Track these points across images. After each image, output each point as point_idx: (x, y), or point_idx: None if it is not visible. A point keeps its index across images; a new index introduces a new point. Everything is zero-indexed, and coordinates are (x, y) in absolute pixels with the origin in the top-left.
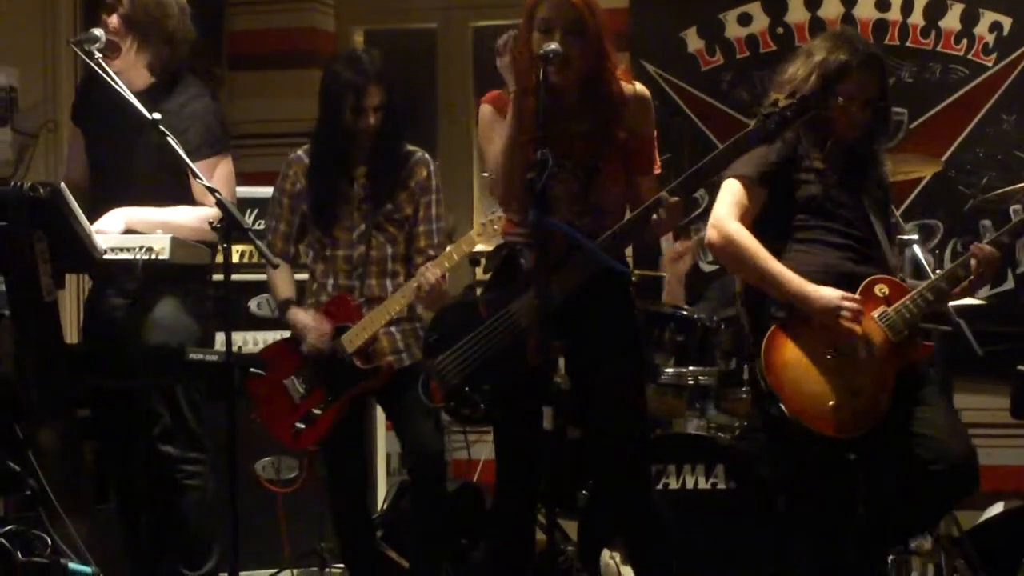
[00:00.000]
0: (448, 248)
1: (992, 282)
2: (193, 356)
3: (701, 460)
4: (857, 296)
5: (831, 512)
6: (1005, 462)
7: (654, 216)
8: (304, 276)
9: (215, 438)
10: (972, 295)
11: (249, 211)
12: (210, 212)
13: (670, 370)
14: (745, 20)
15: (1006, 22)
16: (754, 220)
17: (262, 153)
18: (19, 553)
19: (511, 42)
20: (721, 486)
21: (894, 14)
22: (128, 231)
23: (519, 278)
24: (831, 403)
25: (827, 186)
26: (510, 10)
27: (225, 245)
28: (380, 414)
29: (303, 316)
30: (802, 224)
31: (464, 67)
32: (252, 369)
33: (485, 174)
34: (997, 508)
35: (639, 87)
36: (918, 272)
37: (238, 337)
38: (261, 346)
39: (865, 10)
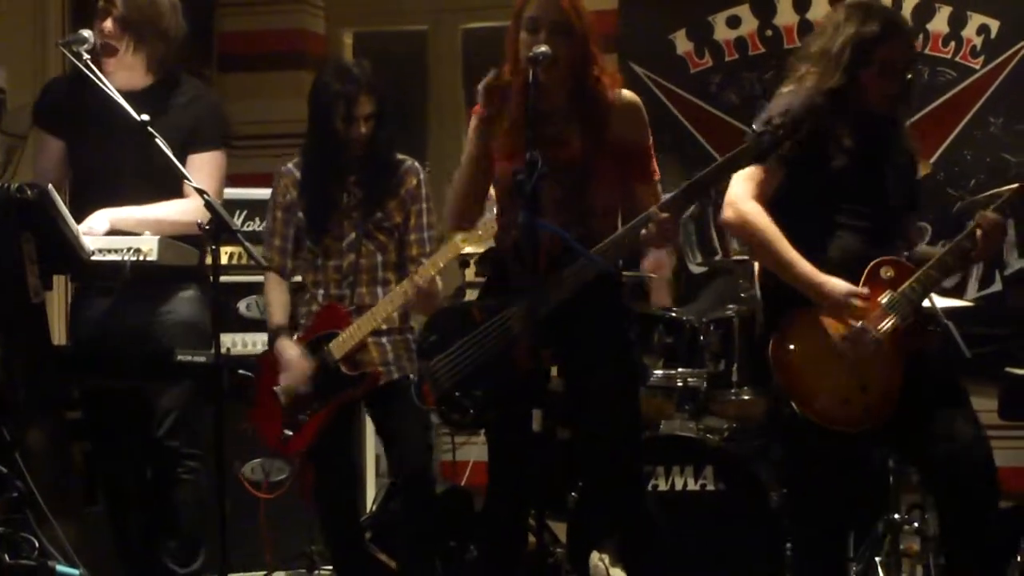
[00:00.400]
0: (434, 254)
1: (982, 282)
2: (182, 357)
3: (690, 461)
4: (863, 289)
5: (833, 511)
6: None
7: (643, 231)
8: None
9: (204, 439)
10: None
11: (238, 212)
12: (194, 203)
13: (659, 372)
14: (734, 22)
15: (993, 25)
16: (774, 199)
17: (252, 155)
18: (6, 556)
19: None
20: (710, 487)
21: None
22: (112, 231)
23: (513, 283)
24: (841, 398)
25: (851, 161)
26: (500, 12)
27: (214, 247)
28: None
29: (290, 352)
30: (821, 203)
31: (454, 69)
32: (240, 371)
33: None
34: None
35: (628, 94)
36: None
37: (227, 339)
38: (250, 347)
39: None
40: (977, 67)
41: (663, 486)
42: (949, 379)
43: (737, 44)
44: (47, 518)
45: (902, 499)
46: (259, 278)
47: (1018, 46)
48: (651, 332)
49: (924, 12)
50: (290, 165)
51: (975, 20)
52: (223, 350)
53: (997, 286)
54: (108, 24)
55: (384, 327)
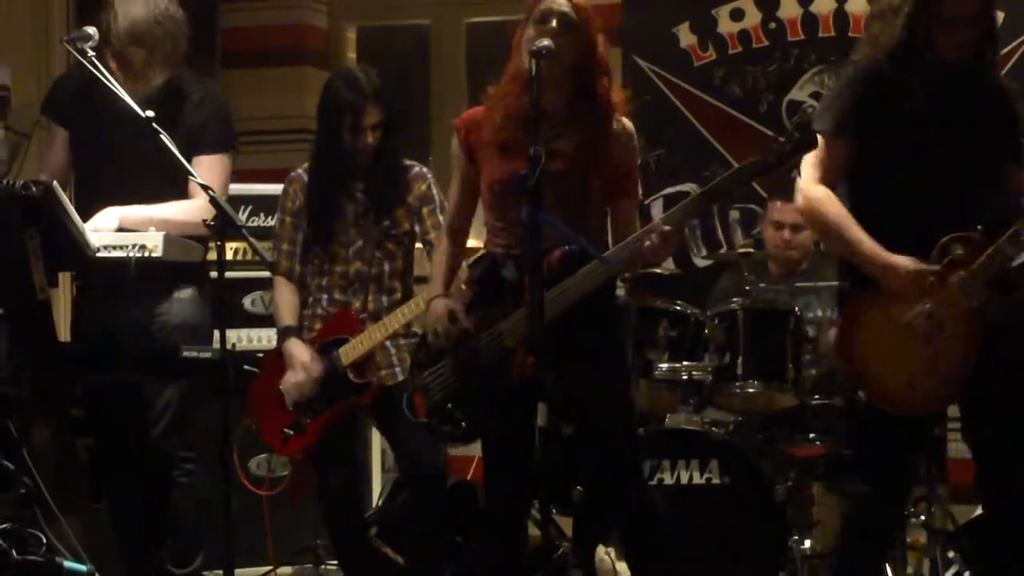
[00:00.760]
0: (417, 298)
1: None
2: (188, 353)
3: (695, 455)
4: (929, 267)
5: (895, 495)
6: None
7: (647, 243)
8: None
9: (208, 434)
10: None
11: (243, 208)
12: (200, 204)
13: (664, 365)
14: (738, 15)
15: (999, 16)
16: (852, 172)
17: (255, 150)
18: (14, 552)
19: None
20: (716, 481)
21: None
22: (121, 229)
23: (504, 292)
24: (904, 380)
25: (921, 122)
26: (503, 6)
27: (219, 243)
28: None
29: (300, 353)
30: (893, 170)
31: (457, 63)
32: (246, 367)
33: None
34: None
35: (625, 121)
36: None
37: (232, 334)
38: (255, 343)
39: (857, 5)
40: None
41: (668, 480)
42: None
43: (741, 37)
44: (54, 514)
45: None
46: (264, 274)
47: (1022, 38)
48: (656, 326)
49: None
50: (300, 170)
51: None
52: (228, 346)
53: None
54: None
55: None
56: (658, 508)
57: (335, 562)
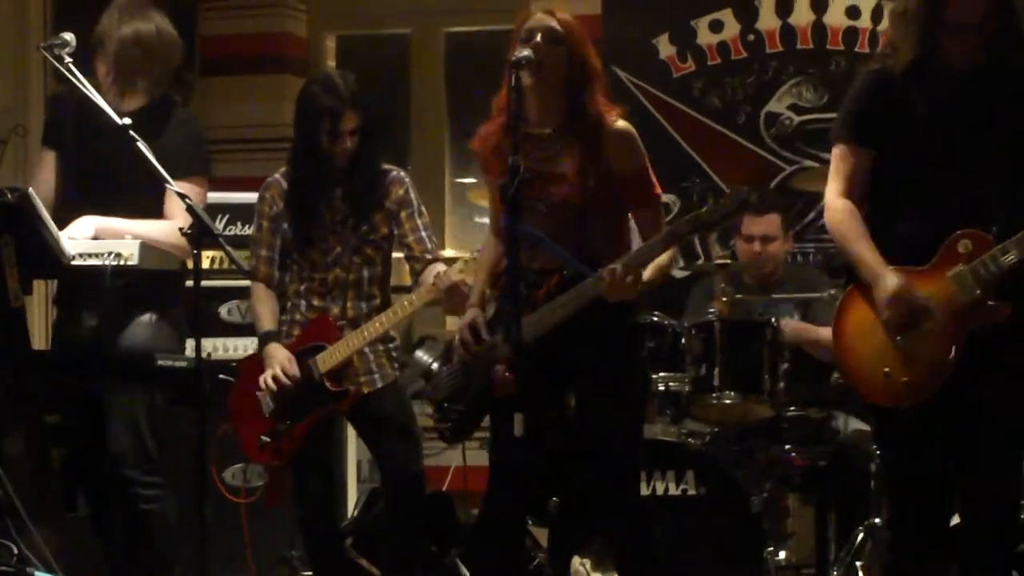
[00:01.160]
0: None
1: None
2: (163, 362)
3: (672, 466)
4: (909, 295)
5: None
6: None
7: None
8: None
9: (184, 444)
10: None
11: (220, 216)
12: (178, 224)
13: None
14: (716, 27)
15: None
16: (874, 180)
17: (234, 158)
18: None
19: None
20: (692, 492)
21: (864, 21)
22: (96, 237)
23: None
24: (885, 370)
25: (929, 129)
26: (483, 16)
27: (195, 251)
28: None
29: (280, 354)
30: (905, 177)
31: (437, 73)
32: (221, 376)
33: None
34: None
35: (621, 124)
36: None
37: (208, 343)
38: (231, 352)
39: (835, 17)
40: None
41: (645, 490)
42: (1017, 369)
43: (720, 48)
44: (26, 525)
45: (883, 504)
46: (241, 283)
47: None
48: None
49: None
50: (277, 175)
51: None
52: (204, 354)
53: None
54: (101, 67)
55: None
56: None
57: (310, 573)
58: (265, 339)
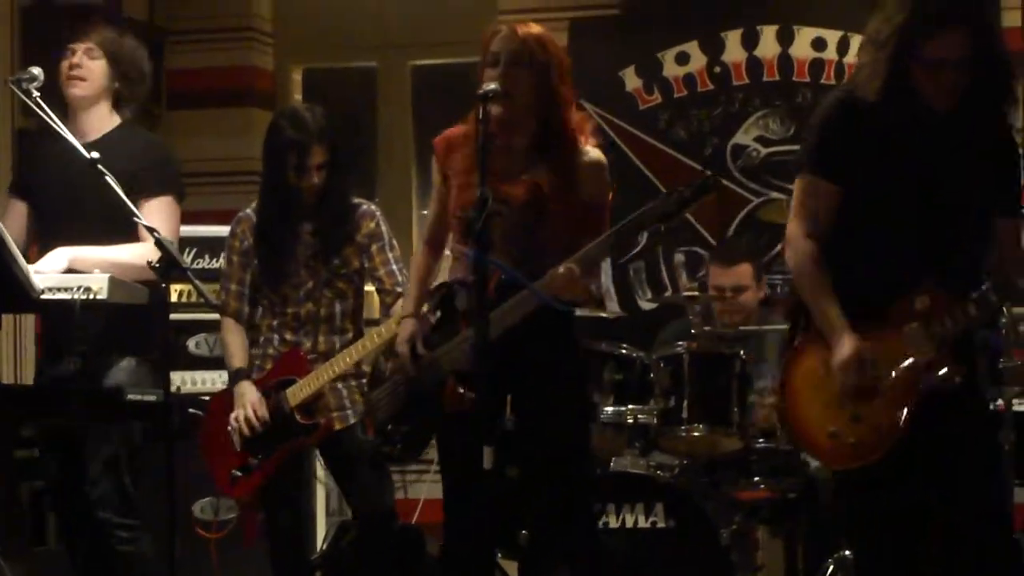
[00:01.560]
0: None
1: None
2: (132, 396)
3: (641, 499)
4: (867, 360)
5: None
6: None
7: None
8: None
9: (153, 478)
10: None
11: (188, 250)
12: (149, 247)
13: (609, 409)
14: (683, 59)
15: None
16: (842, 217)
17: (201, 192)
18: None
19: None
20: (661, 524)
21: (830, 53)
22: (70, 270)
23: (454, 320)
24: (830, 430)
25: (906, 168)
26: (450, 49)
27: (164, 284)
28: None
29: (250, 393)
30: (870, 220)
31: (403, 105)
32: (191, 409)
33: (425, 212)
34: None
35: (595, 152)
36: None
37: (176, 377)
38: (200, 385)
39: (801, 50)
40: None
41: (614, 523)
42: (977, 431)
43: (686, 81)
44: None
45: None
46: (209, 316)
47: None
48: (601, 369)
49: None
50: (248, 210)
51: None
52: (173, 388)
53: None
54: (79, 50)
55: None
56: (606, 551)
57: None
58: (236, 377)
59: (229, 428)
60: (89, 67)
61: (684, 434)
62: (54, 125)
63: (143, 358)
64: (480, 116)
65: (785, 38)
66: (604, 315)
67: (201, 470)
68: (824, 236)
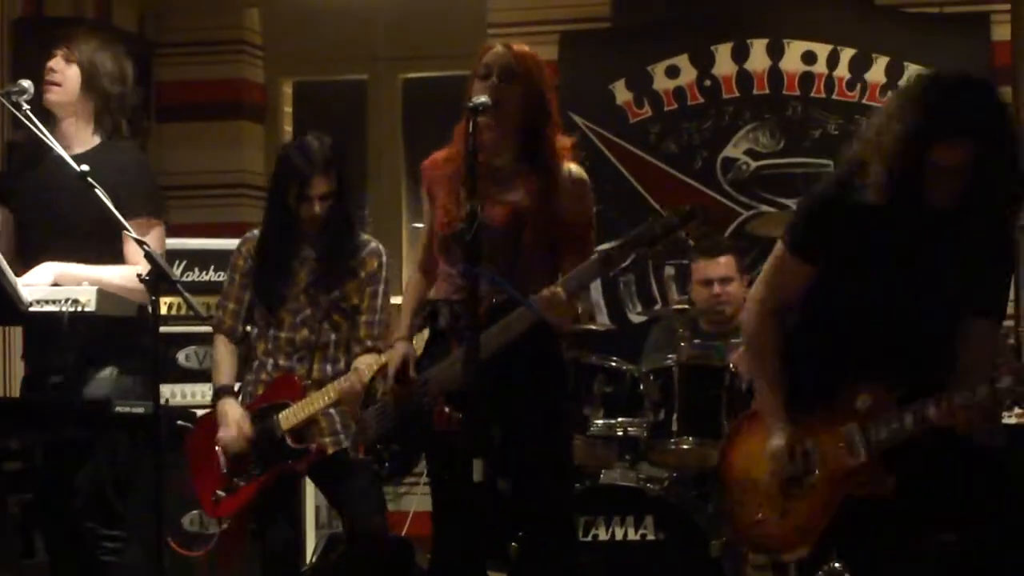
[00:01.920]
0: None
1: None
2: (120, 408)
3: (630, 511)
4: (798, 454)
5: None
6: None
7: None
8: None
9: (141, 491)
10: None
11: (177, 263)
12: (139, 270)
13: (599, 421)
14: (673, 72)
15: None
16: (807, 296)
17: (191, 204)
18: None
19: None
20: (651, 537)
21: (820, 67)
22: (56, 284)
23: (442, 339)
24: (758, 516)
25: (886, 264)
26: (439, 62)
27: (154, 297)
28: None
29: (233, 411)
30: (838, 306)
31: (394, 119)
32: (180, 422)
33: (416, 225)
34: None
35: (576, 169)
36: None
37: (166, 389)
38: (189, 398)
39: (791, 63)
40: None
41: (603, 536)
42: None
43: (676, 94)
44: None
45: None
46: (198, 329)
47: None
48: (591, 381)
49: (862, 62)
50: (255, 231)
51: (912, 70)
52: (162, 400)
53: None
54: (58, 55)
55: None
56: (585, 565)
57: None
58: (219, 393)
59: (216, 449)
60: (65, 73)
61: (674, 447)
62: (44, 138)
63: (125, 368)
64: (470, 128)
65: (775, 52)
66: (594, 328)
67: (190, 482)
68: (789, 306)
